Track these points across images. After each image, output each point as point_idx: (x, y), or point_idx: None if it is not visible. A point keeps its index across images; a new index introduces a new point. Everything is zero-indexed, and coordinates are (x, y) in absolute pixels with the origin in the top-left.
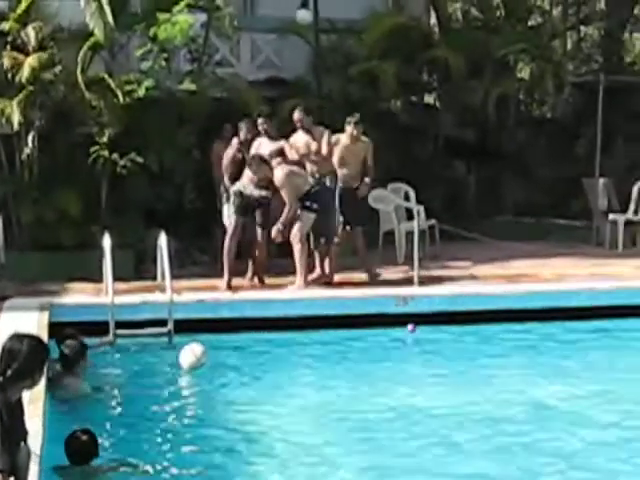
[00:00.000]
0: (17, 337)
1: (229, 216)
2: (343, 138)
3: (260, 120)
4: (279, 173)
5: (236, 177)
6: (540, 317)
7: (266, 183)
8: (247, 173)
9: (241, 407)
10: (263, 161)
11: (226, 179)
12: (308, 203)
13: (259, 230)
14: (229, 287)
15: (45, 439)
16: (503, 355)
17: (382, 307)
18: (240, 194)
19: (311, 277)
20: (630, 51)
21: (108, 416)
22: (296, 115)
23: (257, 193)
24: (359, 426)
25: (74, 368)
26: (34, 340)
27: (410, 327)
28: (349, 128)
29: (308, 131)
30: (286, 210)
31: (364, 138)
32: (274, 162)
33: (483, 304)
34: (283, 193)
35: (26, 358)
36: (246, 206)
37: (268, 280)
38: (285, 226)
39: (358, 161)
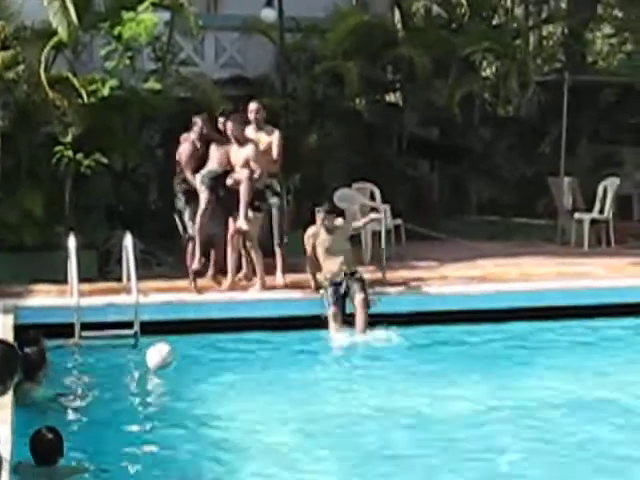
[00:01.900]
0: None
1: (202, 192)
2: None
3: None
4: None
5: (197, 171)
6: (506, 317)
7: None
8: (213, 158)
9: (207, 408)
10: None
11: (189, 175)
12: (257, 203)
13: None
14: (199, 266)
15: (14, 446)
16: (466, 356)
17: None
18: (210, 172)
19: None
20: (593, 50)
21: (73, 419)
22: (253, 105)
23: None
24: (322, 424)
25: (35, 375)
26: (6, 345)
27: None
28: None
29: (260, 128)
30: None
31: None
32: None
33: (450, 304)
34: (254, 166)
35: None
36: (216, 184)
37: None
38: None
39: None
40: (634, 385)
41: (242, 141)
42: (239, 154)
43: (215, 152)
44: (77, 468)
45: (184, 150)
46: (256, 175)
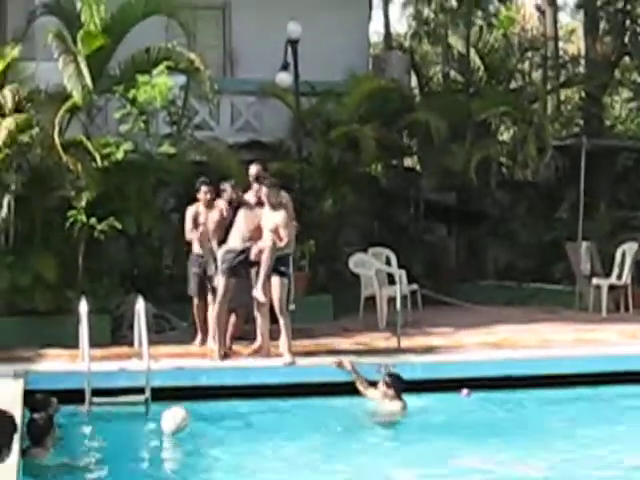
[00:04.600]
0: None
1: (220, 276)
2: None
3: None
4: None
5: (223, 240)
6: (523, 384)
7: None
8: (238, 228)
9: (220, 478)
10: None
11: (214, 244)
12: (283, 268)
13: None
14: (225, 356)
15: None
16: (486, 424)
17: (364, 374)
18: (229, 252)
19: (253, 347)
20: (611, 114)
21: None
22: (253, 169)
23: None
24: None
25: (42, 440)
26: (0, 414)
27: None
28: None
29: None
30: (267, 259)
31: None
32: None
33: (466, 371)
34: (283, 233)
35: None
36: (237, 265)
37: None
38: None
39: None
40: None
41: (276, 206)
42: (270, 218)
43: (242, 219)
44: None
45: (212, 218)
46: (282, 243)
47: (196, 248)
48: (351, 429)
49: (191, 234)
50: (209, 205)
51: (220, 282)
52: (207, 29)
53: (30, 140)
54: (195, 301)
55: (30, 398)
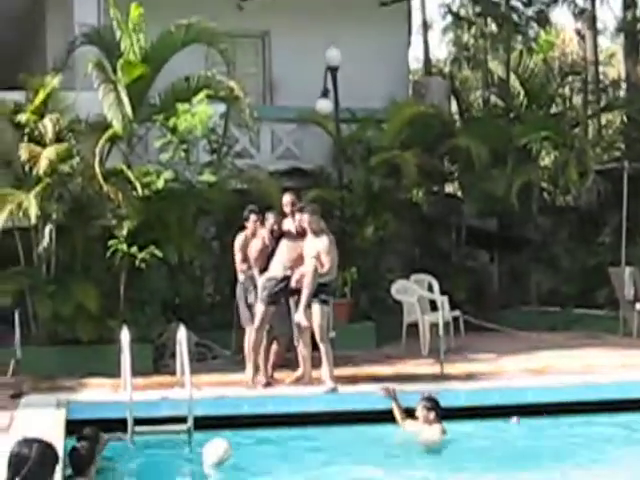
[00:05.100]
0: (25, 442)
1: (258, 304)
2: None
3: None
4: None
5: (265, 268)
6: (567, 411)
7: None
8: (280, 256)
9: None
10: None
11: (256, 272)
12: (324, 296)
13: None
14: (267, 384)
15: None
16: (529, 451)
17: (407, 402)
18: (272, 280)
19: (295, 375)
20: None
21: None
22: (287, 198)
23: (290, 274)
24: None
25: (85, 470)
26: (43, 445)
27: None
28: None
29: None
30: (309, 283)
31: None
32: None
33: (509, 398)
34: (325, 259)
35: (35, 465)
36: (277, 293)
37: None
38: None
39: None
40: None
41: (318, 232)
42: (312, 245)
43: (285, 248)
44: None
45: (255, 246)
46: (324, 269)
47: (242, 277)
48: (393, 457)
49: (242, 265)
50: (255, 234)
51: (258, 309)
52: (246, 57)
53: (71, 170)
54: (248, 329)
55: (79, 431)
